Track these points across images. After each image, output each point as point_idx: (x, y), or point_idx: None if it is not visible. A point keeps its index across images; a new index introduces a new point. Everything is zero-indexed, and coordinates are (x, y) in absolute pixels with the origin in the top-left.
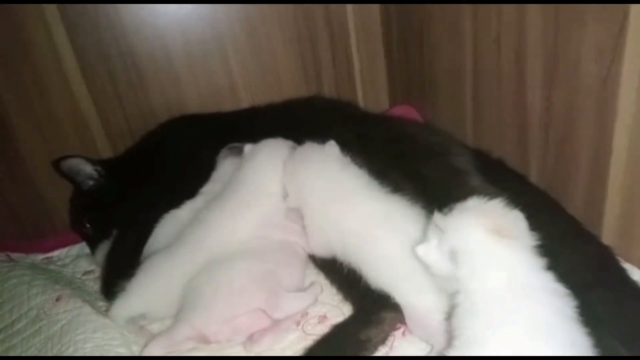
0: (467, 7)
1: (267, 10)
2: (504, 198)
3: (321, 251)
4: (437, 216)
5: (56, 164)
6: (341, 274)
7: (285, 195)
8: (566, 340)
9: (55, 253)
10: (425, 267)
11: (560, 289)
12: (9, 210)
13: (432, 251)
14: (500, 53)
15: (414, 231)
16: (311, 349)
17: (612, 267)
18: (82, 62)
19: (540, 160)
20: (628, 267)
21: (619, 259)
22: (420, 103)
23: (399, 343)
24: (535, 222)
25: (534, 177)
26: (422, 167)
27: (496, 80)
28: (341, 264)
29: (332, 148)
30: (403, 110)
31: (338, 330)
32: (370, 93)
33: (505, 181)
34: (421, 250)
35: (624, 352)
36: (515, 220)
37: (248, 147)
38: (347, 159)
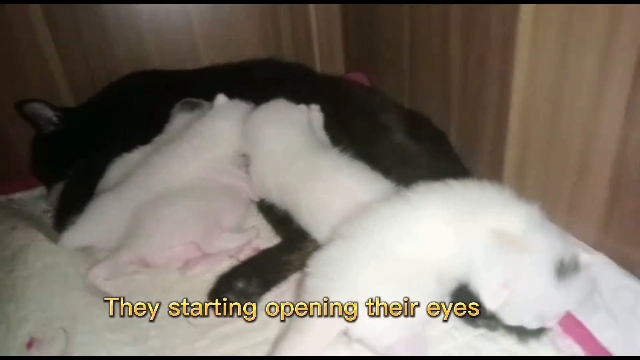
0: None
1: None
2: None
3: (262, 194)
4: None
5: (19, 107)
6: (277, 215)
7: (238, 149)
8: None
9: (17, 195)
10: None
11: None
12: None
13: None
14: (430, 25)
15: (348, 185)
16: (236, 267)
17: None
18: (48, 13)
19: (458, 119)
20: None
21: None
22: (370, 71)
23: None
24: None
25: (453, 133)
26: (353, 123)
27: (427, 50)
28: (277, 207)
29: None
30: (355, 76)
31: (263, 253)
32: (327, 61)
33: (426, 138)
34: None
35: None
36: None
37: (221, 98)
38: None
